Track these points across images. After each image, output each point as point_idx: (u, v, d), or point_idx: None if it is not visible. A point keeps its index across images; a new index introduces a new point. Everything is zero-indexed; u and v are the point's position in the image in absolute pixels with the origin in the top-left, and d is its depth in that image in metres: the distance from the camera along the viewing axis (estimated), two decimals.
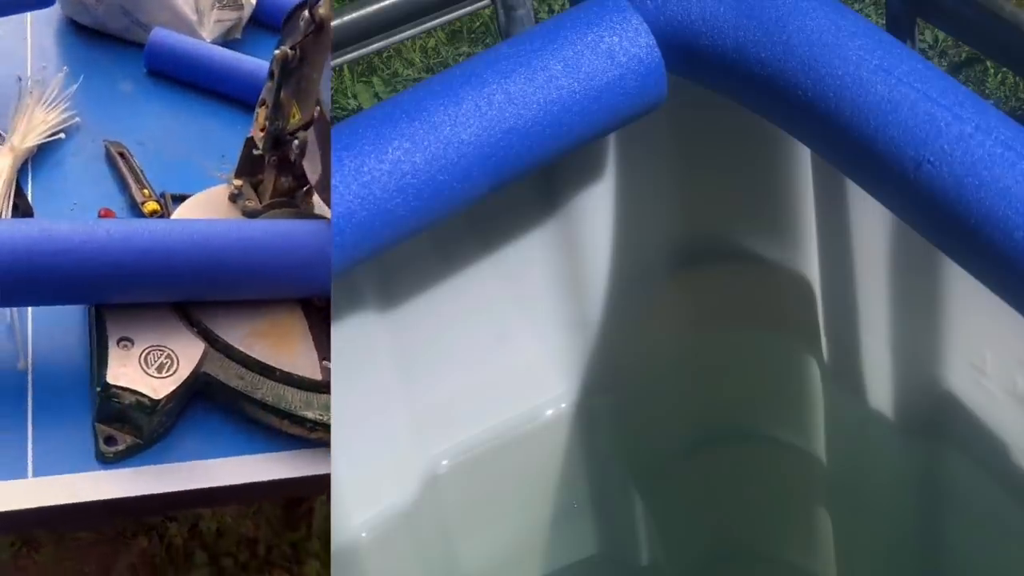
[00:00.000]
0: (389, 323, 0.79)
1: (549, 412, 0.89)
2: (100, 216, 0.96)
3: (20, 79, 1.12)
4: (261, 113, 0.93)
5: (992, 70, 1.82)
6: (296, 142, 0.88)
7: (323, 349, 0.85)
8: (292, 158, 0.89)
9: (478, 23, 2.01)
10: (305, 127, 0.87)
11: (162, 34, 1.22)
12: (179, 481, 0.77)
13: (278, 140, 0.92)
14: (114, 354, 0.77)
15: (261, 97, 0.93)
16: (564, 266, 0.84)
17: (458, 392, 0.85)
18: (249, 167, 0.97)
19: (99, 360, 0.78)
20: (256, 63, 1.22)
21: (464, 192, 0.67)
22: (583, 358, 0.89)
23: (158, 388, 0.76)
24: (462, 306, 0.81)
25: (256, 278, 0.84)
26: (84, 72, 1.15)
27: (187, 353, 0.80)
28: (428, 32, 1.29)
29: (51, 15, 1.26)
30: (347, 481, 0.80)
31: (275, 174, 0.94)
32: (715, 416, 0.95)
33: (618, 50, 0.68)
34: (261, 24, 1.37)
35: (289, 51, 0.87)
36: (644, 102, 0.69)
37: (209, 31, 1.29)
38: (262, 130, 0.93)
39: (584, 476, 0.94)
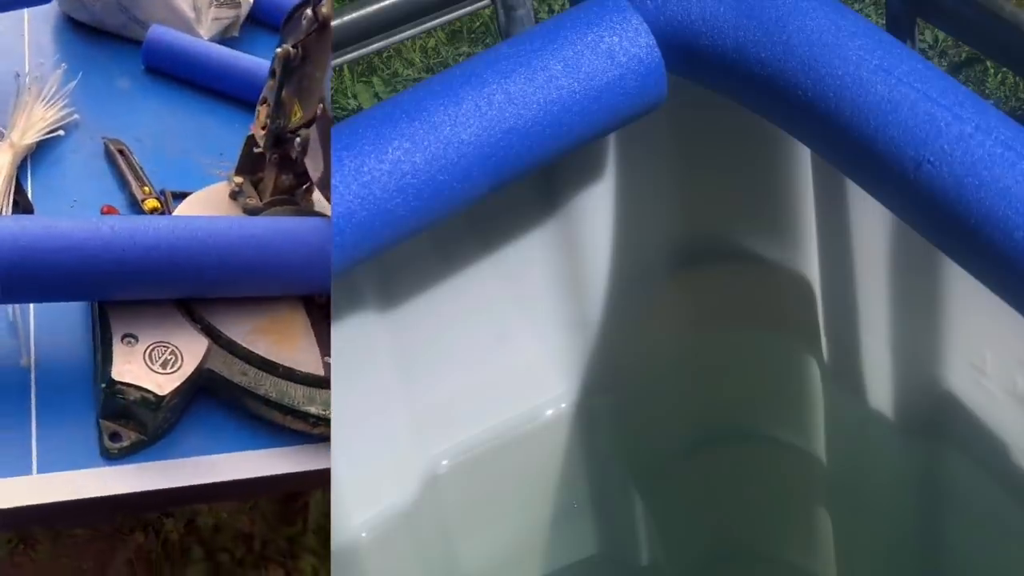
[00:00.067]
0: (389, 323, 0.79)
1: (549, 412, 0.89)
2: (102, 213, 0.96)
3: (18, 75, 1.11)
4: (262, 111, 0.93)
5: (992, 70, 1.82)
6: (298, 140, 0.88)
7: (325, 345, 0.85)
8: (293, 156, 0.90)
9: (478, 23, 2.01)
10: (307, 126, 0.87)
11: (160, 31, 1.22)
12: (183, 477, 0.77)
13: (279, 138, 0.92)
14: (118, 350, 0.77)
15: (262, 95, 0.93)
16: (564, 266, 0.84)
17: (458, 392, 0.85)
18: (250, 165, 0.97)
19: (103, 356, 0.78)
20: (253, 61, 1.22)
21: (464, 192, 0.66)
22: (583, 358, 0.89)
23: (163, 384, 0.76)
24: (462, 306, 0.81)
25: (259, 274, 0.84)
26: (82, 69, 1.14)
27: (191, 349, 0.80)
28: (428, 32, 1.29)
29: (48, 12, 1.26)
30: (347, 481, 0.80)
31: (276, 172, 0.95)
32: (715, 416, 0.95)
33: (618, 50, 0.67)
34: (258, 22, 1.37)
35: (291, 49, 0.87)
36: (644, 102, 0.69)
37: (207, 29, 1.29)
38: (263, 128, 0.93)
39: (584, 476, 0.94)
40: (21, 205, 0.95)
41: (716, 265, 0.89)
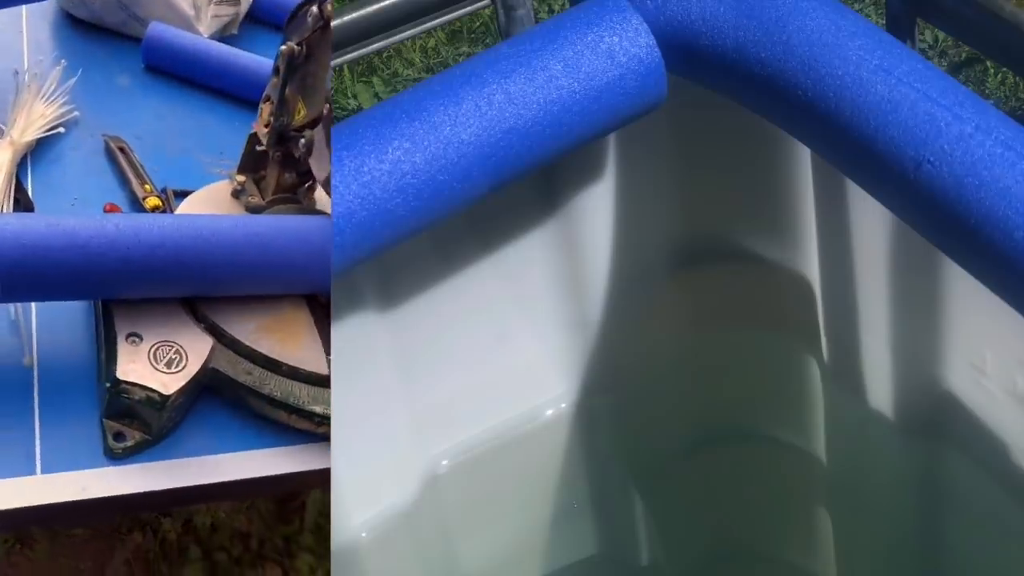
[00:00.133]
0: (389, 323, 0.79)
1: (549, 412, 0.89)
2: (105, 211, 0.96)
3: (17, 72, 1.11)
4: (265, 109, 0.93)
5: (992, 70, 1.82)
6: (303, 140, 0.88)
7: (329, 343, 0.85)
8: (296, 154, 0.89)
9: (478, 23, 2.00)
10: (311, 124, 0.87)
11: (159, 29, 1.22)
12: (188, 476, 0.77)
13: (282, 136, 0.92)
14: (123, 349, 0.77)
15: (265, 93, 0.93)
16: (564, 266, 0.84)
17: (458, 392, 0.85)
18: (252, 163, 0.97)
19: (107, 355, 0.77)
20: (253, 59, 1.22)
21: (464, 192, 0.66)
22: (583, 358, 0.89)
23: (168, 383, 0.76)
24: (462, 306, 0.81)
25: (264, 273, 0.84)
26: (81, 66, 1.14)
27: (196, 348, 0.79)
28: (428, 32, 1.29)
29: (47, 9, 1.25)
30: (347, 481, 0.80)
31: (279, 170, 0.94)
32: (715, 416, 0.95)
33: (618, 50, 0.67)
34: (258, 20, 1.37)
35: (296, 47, 0.87)
36: (644, 102, 0.69)
37: (206, 26, 1.29)
38: (266, 126, 0.92)
39: (584, 476, 0.94)
40: (22, 203, 0.95)
41: (716, 265, 0.89)
